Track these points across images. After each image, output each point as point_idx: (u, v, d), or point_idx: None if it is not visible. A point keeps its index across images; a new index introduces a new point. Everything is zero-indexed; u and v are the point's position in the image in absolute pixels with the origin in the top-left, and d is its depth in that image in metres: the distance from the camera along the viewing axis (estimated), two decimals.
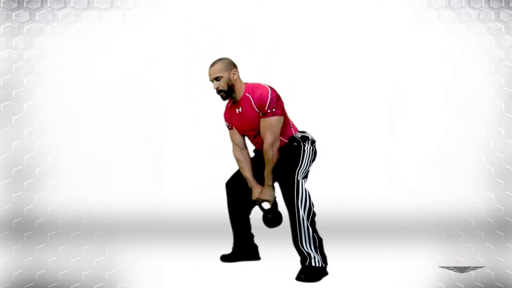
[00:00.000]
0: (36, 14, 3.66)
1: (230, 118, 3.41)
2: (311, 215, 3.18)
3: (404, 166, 4.25)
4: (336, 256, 3.29)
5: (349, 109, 4.73)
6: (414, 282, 3.21)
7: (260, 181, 3.38)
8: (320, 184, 4.00)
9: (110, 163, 3.78)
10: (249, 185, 3.41)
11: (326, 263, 3.22)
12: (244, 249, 3.62)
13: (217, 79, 3.23)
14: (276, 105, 3.20)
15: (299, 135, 3.34)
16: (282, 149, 3.31)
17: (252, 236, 3.65)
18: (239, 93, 3.29)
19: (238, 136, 3.42)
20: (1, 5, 3.64)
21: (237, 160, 3.43)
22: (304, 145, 3.29)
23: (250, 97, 3.24)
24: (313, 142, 3.36)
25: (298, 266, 3.23)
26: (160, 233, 3.89)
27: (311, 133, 3.41)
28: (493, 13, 3.72)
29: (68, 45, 3.70)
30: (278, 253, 3.69)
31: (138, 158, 3.88)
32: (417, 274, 3.29)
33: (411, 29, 3.91)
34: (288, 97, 3.60)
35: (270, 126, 3.21)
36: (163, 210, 4.05)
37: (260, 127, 3.25)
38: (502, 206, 3.54)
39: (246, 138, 3.46)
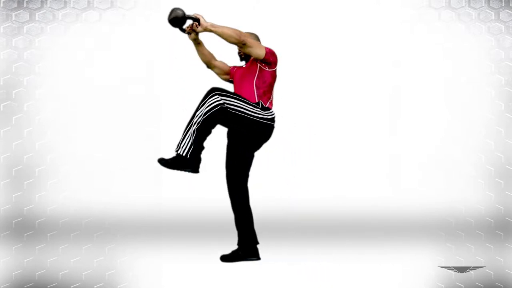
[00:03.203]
0: (36, 14, 3.66)
1: (236, 69, 3.61)
2: (207, 114, 3.27)
3: (404, 165, 4.25)
4: (336, 256, 3.30)
5: (349, 108, 4.72)
6: (414, 282, 3.21)
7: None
8: (320, 183, 4.01)
9: (110, 163, 3.78)
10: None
11: (189, 154, 3.28)
12: (244, 249, 3.61)
13: None
14: (268, 48, 3.37)
15: (264, 112, 3.40)
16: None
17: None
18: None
19: (223, 65, 3.62)
20: (1, 5, 3.64)
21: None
22: (256, 108, 3.38)
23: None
24: (271, 119, 3.41)
25: (297, 266, 3.23)
26: (159, 233, 3.89)
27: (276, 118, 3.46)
28: (493, 13, 3.72)
29: (68, 45, 3.70)
30: (278, 253, 3.69)
31: (138, 158, 3.88)
32: (417, 274, 3.30)
33: (411, 29, 3.91)
34: (289, 96, 3.61)
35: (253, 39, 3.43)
36: (163, 210, 4.05)
37: None
38: (502, 206, 3.55)
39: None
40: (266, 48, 3.36)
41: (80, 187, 3.67)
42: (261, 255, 3.67)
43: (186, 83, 4.58)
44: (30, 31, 3.65)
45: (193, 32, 3.34)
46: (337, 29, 4.42)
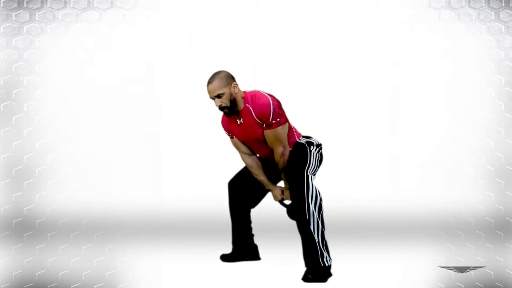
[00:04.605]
0: (36, 14, 3.66)
1: (230, 128, 3.38)
2: (321, 211, 3.17)
3: (404, 165, 4.25)
4: (336, 256, 3.29)
5: (349, 108, 4.73)
6: (414, 282, 3.21)
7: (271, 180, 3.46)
8: (319, 183, 3.99)
9: (110, 163, 3.78)
10: (266, 188, 3.46)
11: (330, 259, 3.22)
12: (244, 249, 3.62)
13: (218, 96, 3.15)
14: (279, 114, 3.19)
15: (303, 140, 3.35)
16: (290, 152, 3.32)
17: (252, 236, 3.65)
18: (240, 104, 3.23)
19: (242, 144, 3.41)
20: (1, 5, 3.64)
21: (250, 167, 3.43)
22: (311, 148, 3.29)
23: (251, 108, 3.21)
24: (318, 145, 3.37)
25: (297, 266, 3.23)
26: (159, 233, 3.89)
27: (316, 138, 3.42)
28: (493, 13, 3.72)
29: (68, 45, 3.70)
30: (278, 253, 3.69)
31: (138, 158, 3.87)
32: (417, 274, 3.30)
33: (411, 29, 3.91)
34: (289, 97, 3.60)
35: (277, 137, 3.22)
36: (163, 210, 4.05)
37: (267, 138, 3.25)
38: (502, 206, 3.54)
39: None
40: (283, 120, 3.20)
41: (80, 187, 3.67)
42: (261, 255, 3.67)
43: (186, 83, 4.58)
44: (30, 31, 3.65)
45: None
46: (337, 29, 4.43)
